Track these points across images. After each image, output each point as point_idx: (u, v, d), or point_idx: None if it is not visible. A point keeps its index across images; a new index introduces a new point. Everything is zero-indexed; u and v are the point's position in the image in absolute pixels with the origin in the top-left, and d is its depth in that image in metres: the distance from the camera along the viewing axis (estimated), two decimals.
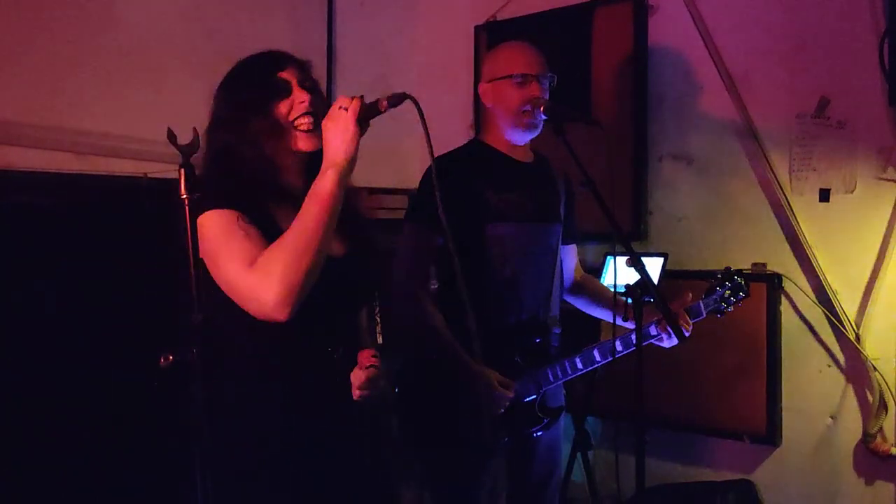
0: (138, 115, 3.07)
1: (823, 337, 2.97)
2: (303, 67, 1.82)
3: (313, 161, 1.72)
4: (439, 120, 4.25)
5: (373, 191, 3.75)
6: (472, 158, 2.40)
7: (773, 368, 2.99)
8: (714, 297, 2.40)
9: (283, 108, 1.74)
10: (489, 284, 2.31)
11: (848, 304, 2.90)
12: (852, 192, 2.90)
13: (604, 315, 2.58)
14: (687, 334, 2.30)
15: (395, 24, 4.03)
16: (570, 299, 2.66)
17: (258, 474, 1.64)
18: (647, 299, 2.27)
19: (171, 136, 1.61)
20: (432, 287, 2.41)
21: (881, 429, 2.82)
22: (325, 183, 1.62)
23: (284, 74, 1.76)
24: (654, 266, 3.07)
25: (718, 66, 3.14)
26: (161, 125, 1.67)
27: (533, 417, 2.36)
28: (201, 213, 1.63)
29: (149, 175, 3.01)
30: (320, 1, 3.86)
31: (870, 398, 2.86)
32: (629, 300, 2.15)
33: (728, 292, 2.40)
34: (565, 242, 2.54)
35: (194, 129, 1.61)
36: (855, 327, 2.88)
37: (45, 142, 2.91)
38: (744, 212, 3.13)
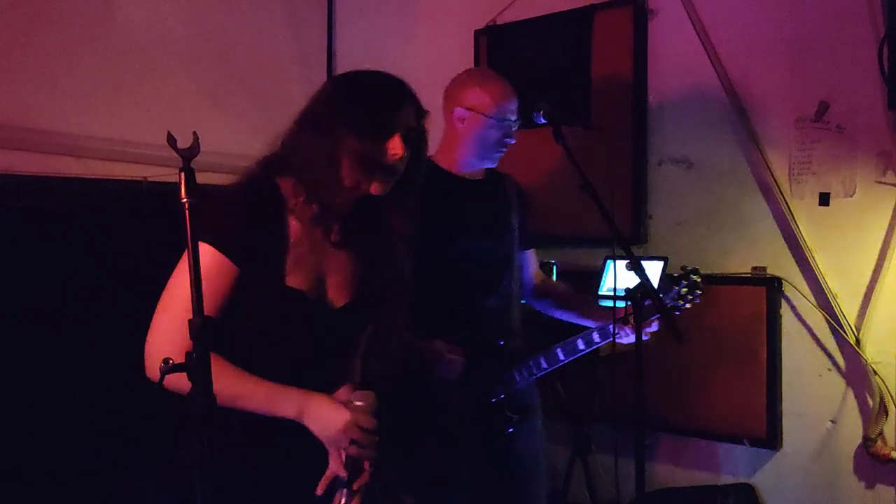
0: (138, 118, 3.07)
1: (823, 341, 2.97)
2: (419, 115, 1.72)
3: (366, 206, 1.67)
4: (439, 122, 4.25)
5: None
6: (426, 181, 2.46)
7: (774, 372, 2.99)
8: (671, 294, 2.42)
9: (380, 146, 1.63)
10: (450, 298, 2.40)
11: (848, 308, 2.90)
12: (852, 195, 2.90)
13: (567, 317, 2.65)
14: (646, 335, 2.36)
15: (394, 27, 4.03)
16: (533, 303, 2.73)
17: None
18: (646, 303, 2.28)
19: (171, 140, 1.61)
20: None
21: (882, 433, 2.82)
22: (281, 409, 1.56)
23: (401, 115, 1.66)
24: (654, 270, 3.07)
25: (718, 70, 3.14)
26: (161, 128, 1.68)
27: (503, 417, 2.44)
28: (207, 241, 1.55)
29: (148, 179, 3.01)
30: (320, 4, 3.87)
31: (870, 402, 2.86)
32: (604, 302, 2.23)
33: (685, 290, 2.42)
34: (523, 248, 2.64)
35: (194, 132, 1.60)
36: (855, 331, 2.88)
37: (44, 145, 2.91)
38: (744, 215, 3.13)
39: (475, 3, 3.82)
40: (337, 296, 1.71)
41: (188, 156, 1.55)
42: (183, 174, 1.50)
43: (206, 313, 1.46)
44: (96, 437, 2.75)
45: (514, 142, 2.48)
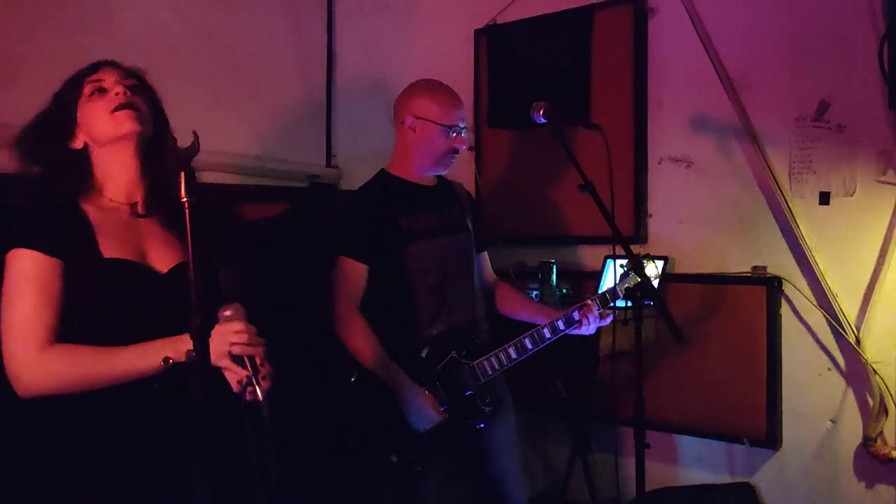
0: None
1: (823, 340, 2.97)
2: (126, 70, 1.80)
3: (146, 145, 1.73)
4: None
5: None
6: (384, 191, 2.63)
7: (774, 371, 2.98)
8: (628, 279, 2.49)
9: (93, 104, 1.71)
10: (417, 297, 2.51)
11: (848, 307, 2.90)
12: (852, 195, 2.90)
13: (525, 317, 2.71)
14: (597, 323, 2.50)
15: (394, 27, 4.03)
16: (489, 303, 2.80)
17: None
18: (646, 302, 2.29)
19: (171, 143, 1.62)
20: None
21: (881, 432, 2.82)
22: (151, 359, 1.59)
23: (97, 76, 1.74)
24: (653, 269, 3.07)
25: (718, 69, 3.14)
26: None
27: (475, 410, 2.51)
28: (21, 245, 1.62)
29: None
30: (320, 4, 3.86)
31: (870, 402, 2.86)
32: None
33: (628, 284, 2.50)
34: (478, 251, 2.74)
35: (194, 132, 1.60)
36: (855, 330, 2.88)
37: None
38: (744, 215, 3.13)
39: (475, 2, 3.81)
40: (162, 262, 1.75)
41: (188, 155, 1.55)
42: (183, 173, 1.51)
43: (51, 312, 1.57)
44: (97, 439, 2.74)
45: (465, 147, 2.61)
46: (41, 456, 1.63)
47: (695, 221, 3.26)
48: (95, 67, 1.76)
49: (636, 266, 2.34)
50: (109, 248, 1.67)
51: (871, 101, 2.82)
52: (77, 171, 1.72)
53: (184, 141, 1.61)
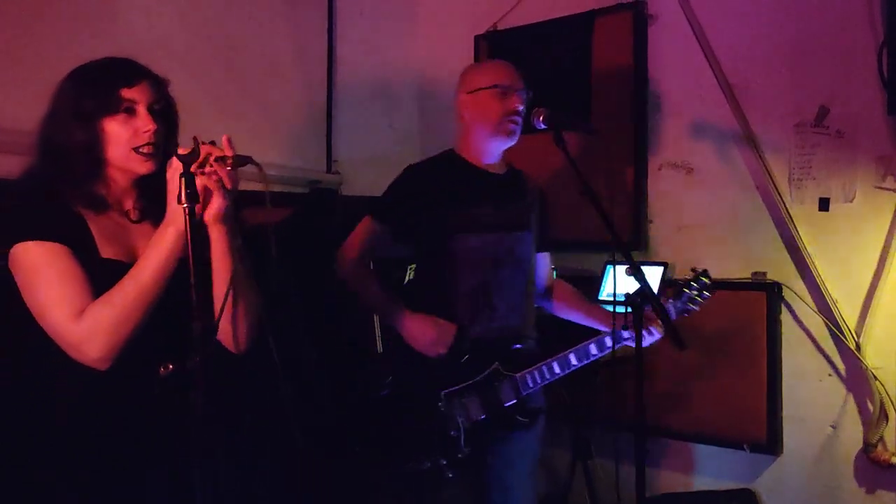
0: None
1: (823, 346, 2.97)
2: (157, 85, 1.73)
3: (149, 182, 1.69)
4: (439, 127, 4.25)
5: (373, 199, 3.76)
6: (444, 170, 2.52)
7: (774, 377, 2.98)
8: (683, 298, 2.44)
9: (119, 128, 1.65)
10: (458, 293, 2.42)
11: (848, 313, 2.90)
12: (852, 201, 2.90)
13: (579, 319, 2.65)
14: (657, 336, 2.40)
15: (395, 31, 4.03)
16: (545, 305, 2.73)
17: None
18: (646, 308, 2.28)
19: (173, 147, 1.62)
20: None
21: (882, 438, 2.82)
22: (163, 241, 1.59)
23: (131, 93, 1.67)
24: (653, 275, 3.07)
25: (717, 75, 3.14)
26: None
27: (513, 422, 2.43)
28: (23, 239, 1.59)
29: None
30: (321, 8, 3.87)
31: (870, 407, 2.85)
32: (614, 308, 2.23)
33: (695, 293, 2.44)
34: (538, 251, 2.63)
35: (195, 137, 1.61)
36: (855, 336, 2.88)
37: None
38: (743, 221, 3.13)
39: (476, 7, 3.82)
40: None
41: (188, 161, 1.55)
42: (183, 179, 1.51)
43: (77, 282, 1.55)
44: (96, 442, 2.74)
45: (521, 108, 2.45)
46: (41, 456, 1.63)
47: (695, 227, 3.26)
48: (130, 79, 1.68)
49: (636, 272, 2.32)
50: (106, 249, 1.66)
51: (870, 106, 2.83)
52: (87, 168, 1.68)
53: (183, 146, 1.62)
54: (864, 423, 2.87)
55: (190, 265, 1.44)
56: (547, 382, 2.44)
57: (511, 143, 2.49)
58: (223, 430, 1.74)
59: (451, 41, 3.89)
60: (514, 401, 2.41)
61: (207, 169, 1.58)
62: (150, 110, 1.67)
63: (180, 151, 1.58)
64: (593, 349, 2.40)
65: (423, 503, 2.43)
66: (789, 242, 3.02)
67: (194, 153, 1.57)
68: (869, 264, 2.86)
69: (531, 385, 2.42)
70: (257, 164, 1.59)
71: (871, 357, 2.85)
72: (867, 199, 2.87)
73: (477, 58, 3.78)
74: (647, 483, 2.43)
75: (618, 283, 2.42)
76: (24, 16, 2.73)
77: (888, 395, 2.80)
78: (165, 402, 1.60)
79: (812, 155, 2.97)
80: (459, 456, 2.38)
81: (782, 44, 3.03)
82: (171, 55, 3.14)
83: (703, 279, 2.44)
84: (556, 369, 2.42)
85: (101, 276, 1.62)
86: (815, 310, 2.96)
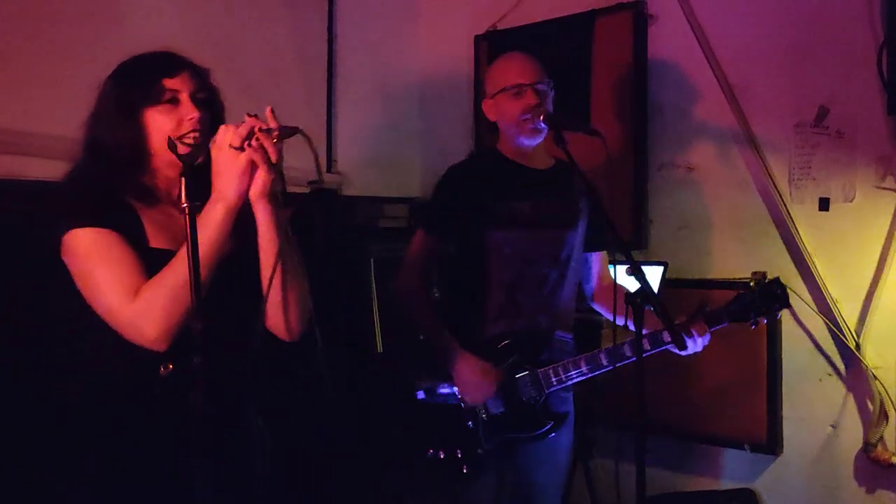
0: None
1: (824, 346, 2.97)
2: (199, 74, 1.73)
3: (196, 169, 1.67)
4: (440, 128, 4.26)
5: (374, 200, 3.76)
6: (483, 168, 2.52)
7: (774, 377, 2.98)
8: (737, 304, 2.34)
9: (162, 118, 1.66)
10: (487, 289, 2.40)
11: (848, 313, 2.90)
12: (852, 200, 2.90)
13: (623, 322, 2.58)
14: (703, 341, 2.31)
15: (395, 31, 4.04)
16: (596, 307, 2.68)
17: None
18: (647, 308, 2.27)
19: (172, 145, 1.62)
20: (434, 295, 2.56)
21: (882, 438, 2.82)
22: (212, 218, 1.58)
23: (173, 83, 1.67)
24: (653, 275, 3.07)
25: (718, 75, 3.14)
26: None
27: (534, 420, 2.38)
28: (75, 227, 1.60)
29: None
30: (321, 7, 3.87)
31: (870, 407, 2.85)
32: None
33: (758, 301, 2.34)
34: (587, 250, 2.57)
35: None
36: (855, 336, 2.88)
37: (45, 150, 2.91)
38: (743, 221, 3.13)
39: (476, 7, 3.83)
40: None
41: (189, 161, 1.56)
42: (184, 179, 1.51)
43: (129, 266, 1.57)
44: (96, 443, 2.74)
45: (537, 104, 2.39)
46: (41, 456, 1.63)
47: (695, 227, 3.26)
48: (172, 69, 1.69)
49: (636, 271, 2.29)
50: (155, 239, 1.66)
51: (870, 106, 2.83)
52: (133, 160, 1.68)
53: (185, 146, 1.62)
54: (864, 423, 2.88)
55: (190, 265, 1.43)
56: (574, 382, 2.37)
57: (538, 138, 2.44)
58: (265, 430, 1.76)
59: (451, 41, 3.90)
60: (536, 397, 2.37)
61: (254, 143, 1.57)
62: (194, 99, 1.68)
63: (180, 151, 1.59)
64: (628, 351, 2.29)
65: (439, 497, 2.41)
66: (789, 242, 3.02)
67: (194, 154, 1.57)
68: (869, 264, 2.86)
69: (554, 382, 2.36)
70: (305, 135, 1.58)
71: (871, 357, 2.85)
72: (867, 199, 2.87)
73: (477, 58, 3.79)
74: (647, 482, 2.43)
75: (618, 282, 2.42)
76: (27, 17, 2.74)
77: (888, 394, 2.80)
78: (165, 401, 1.61)
79: (812, 155, 2.97)
80: (480, 451, 2.35)
81: (782, 44, 3.03)
82: None
83: (774, 288, 2.32)
84: (584, 368, 2.34)
85: (151, 265, 1.61)
86: (815, 309, 2.96)
